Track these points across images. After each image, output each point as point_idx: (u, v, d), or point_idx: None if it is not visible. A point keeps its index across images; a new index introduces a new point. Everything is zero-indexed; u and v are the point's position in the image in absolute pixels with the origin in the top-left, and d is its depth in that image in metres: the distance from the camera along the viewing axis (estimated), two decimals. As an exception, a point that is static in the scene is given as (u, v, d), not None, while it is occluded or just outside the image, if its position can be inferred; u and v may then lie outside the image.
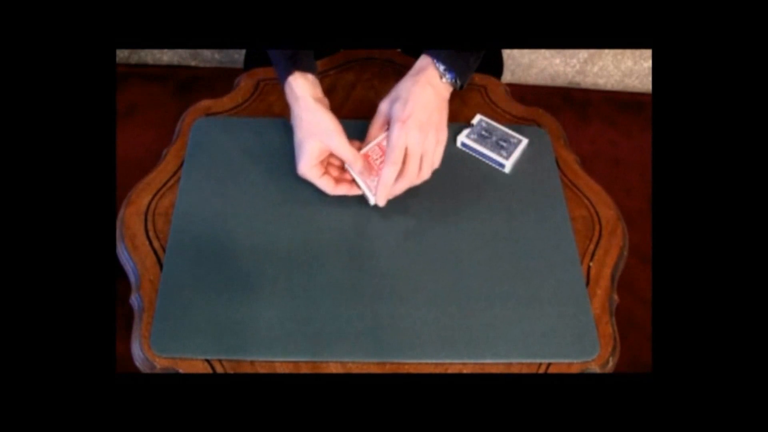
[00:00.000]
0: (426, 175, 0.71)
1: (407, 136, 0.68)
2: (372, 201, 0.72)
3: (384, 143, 0.72)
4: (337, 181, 0.73)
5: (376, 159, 0.72)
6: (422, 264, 0.70)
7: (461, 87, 0.75)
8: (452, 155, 0.79)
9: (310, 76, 0.72)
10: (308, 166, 0.71)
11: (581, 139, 1.52)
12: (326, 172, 0.72)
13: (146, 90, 1.55)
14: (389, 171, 0.69)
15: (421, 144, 0.69)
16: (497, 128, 0.81)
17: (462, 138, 0.79)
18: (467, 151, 0.80)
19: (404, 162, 0.69)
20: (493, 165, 0.79)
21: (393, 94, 0.73)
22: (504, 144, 0.79)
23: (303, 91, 0.71)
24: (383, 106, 0.73)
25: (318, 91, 0.72)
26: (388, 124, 0.72)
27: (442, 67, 0.72)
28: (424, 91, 0.71)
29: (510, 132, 0.80)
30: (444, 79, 0.73)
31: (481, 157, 0.79)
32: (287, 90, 0.72)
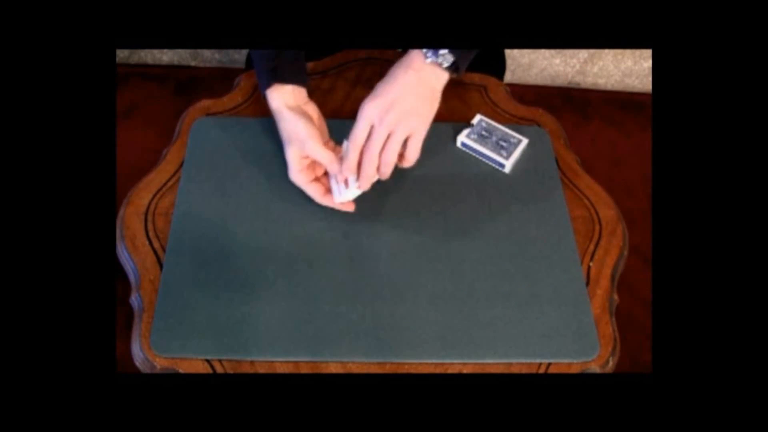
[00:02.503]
0: (389, 157, 0.67)
1: (374, 112, 0.65)
2: (337, 199, 0.72)
3: None
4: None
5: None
6: (422, 264, 0.70)
7: (456, 69, 0.68)
8: (452, 155, 0.79)
9: (288, 87, 0.73)
10: (294, 172, 0.72)
11: (581, 139, 1.52)
12: (316, 180, 0.73)
13: (146, 90, 1.55)
14: (348, 146, 0.67)
15: (389, 123, 0.65)
16: (497, 128, 0.81)
17: (462, 138, 0.79)
18: (467, 151, 0.80)
19: (368, 139, 0.66)
20: (493, 165, 0.79)
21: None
22: (504, 144, 0.79)
23: (278, 102, 0.73)
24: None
25: (296, 100, 0.74)
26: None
27: (427, 50, 0.67)
28: (405, 75, 0.67)
29: (510, 132, 0.80)
30: (429, 60, 0.67)
31: (481, 157, 0.79)
32: (267, 103, 0.74)
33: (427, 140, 0.78)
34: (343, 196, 0.71)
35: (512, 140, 0.79)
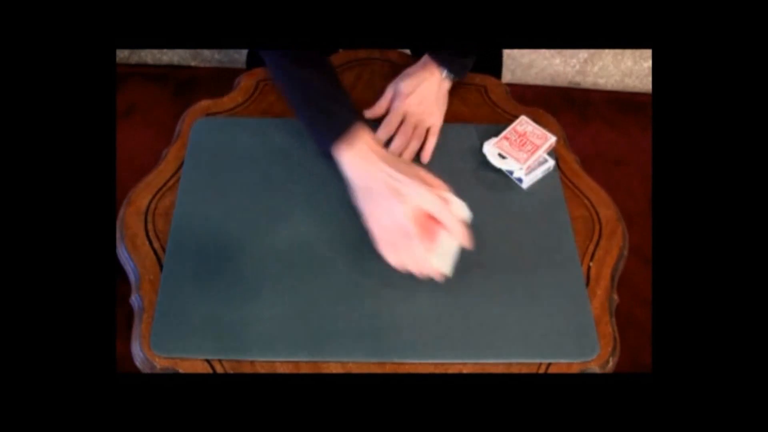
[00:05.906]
0: (415, 146, 0.77)
1: (408, 106, 0.77)
2: None
3: None
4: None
5: None
6: (422, 264, 0.70)
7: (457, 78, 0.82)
8: (452, 155, 0.79)
9: (359, 126, 0.68)
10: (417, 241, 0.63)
11: (581, 139, 1.52)
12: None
13: (146, 90, 1.55)
14: (382, 132, 0.76)
15: (418, 115, 0.77)
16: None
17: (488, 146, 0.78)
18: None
19: (401, 125, 0.77)
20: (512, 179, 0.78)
21: (400, 76, 0.81)
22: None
23: (363, 145, 0.67)
24: (390, 87, 0.81)
25: (374, 138, 0.70)
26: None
27: (442, 68, 0.80)
28: (431, 77, 0.79)
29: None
30: (443, 75, 0.80)
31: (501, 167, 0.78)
32: (341, 161, 0.68)
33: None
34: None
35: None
